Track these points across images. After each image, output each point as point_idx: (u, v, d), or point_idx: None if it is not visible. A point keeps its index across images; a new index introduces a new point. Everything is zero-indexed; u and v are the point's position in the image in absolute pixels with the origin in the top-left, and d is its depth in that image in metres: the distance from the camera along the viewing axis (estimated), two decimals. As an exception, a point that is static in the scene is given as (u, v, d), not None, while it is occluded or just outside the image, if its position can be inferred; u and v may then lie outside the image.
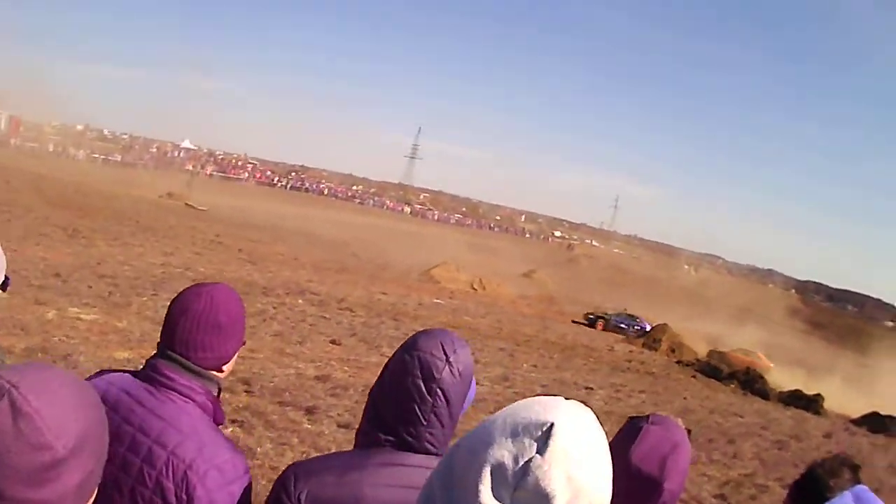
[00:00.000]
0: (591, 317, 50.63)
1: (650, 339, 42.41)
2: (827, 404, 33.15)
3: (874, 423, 30.92)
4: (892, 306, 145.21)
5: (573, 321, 49.12)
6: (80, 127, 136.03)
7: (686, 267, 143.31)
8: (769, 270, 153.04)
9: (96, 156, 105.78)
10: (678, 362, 37.84)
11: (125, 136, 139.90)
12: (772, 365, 45.29)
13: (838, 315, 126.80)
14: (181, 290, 2.81)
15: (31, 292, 18.77)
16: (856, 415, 32.72)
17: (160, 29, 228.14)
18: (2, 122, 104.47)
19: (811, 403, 32.49)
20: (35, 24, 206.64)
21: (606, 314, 51.41)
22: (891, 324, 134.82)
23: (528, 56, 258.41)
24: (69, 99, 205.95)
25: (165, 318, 2.74)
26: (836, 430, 28.45)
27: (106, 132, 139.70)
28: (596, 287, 68.76)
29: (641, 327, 49.15)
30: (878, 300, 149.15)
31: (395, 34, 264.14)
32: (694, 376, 34.43)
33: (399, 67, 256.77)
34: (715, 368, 36.10)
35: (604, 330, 48.23)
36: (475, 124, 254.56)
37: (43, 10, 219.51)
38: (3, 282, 3.35)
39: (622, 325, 49.51)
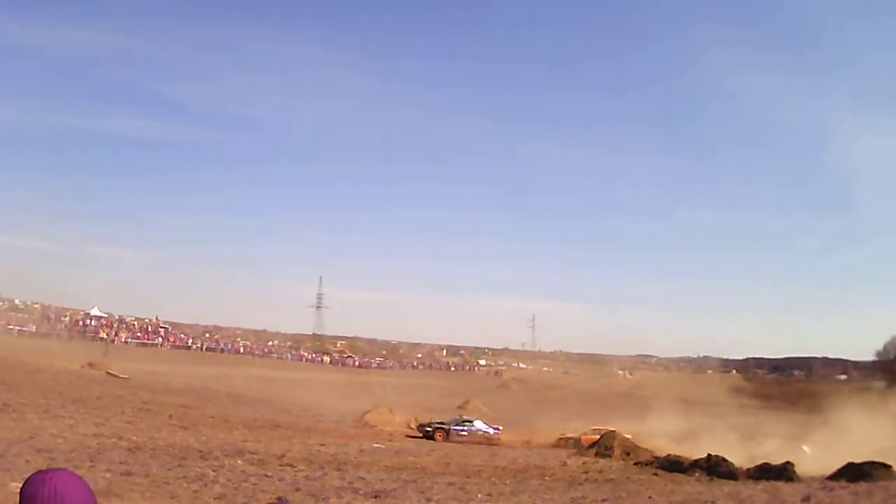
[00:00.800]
0: (428, 428, 49.47)
1: (602, 447, 42.40)
2: (799, 469, 33.37)
3: (851, 473, 31.41)
4: (840, 360, 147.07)
5: (407, 435, 48.99)
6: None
7: (620, 372, 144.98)
8: (705, 357, 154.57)
9: (11, 327, 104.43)
10: (636, 464, 37.82)
11: (37, 306, 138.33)
12: (630, 436, 46.31)
13: (785, 383, 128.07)
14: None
15: (-32, 471, 18.96)
16: (830, 471, 33.16)
17: (55, 199, 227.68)
18: None
19: (782, 472, 32.74)
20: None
21: (444, 423, 50.54)
22: (843, 377, 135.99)
23: (421, 188, 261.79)
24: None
25: None
26: (813, 491, 28.43)
27: (17, 302, 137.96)
28: (532, 408, 69.33)
29: (484, 430, 49.75)
30: (824, 358, 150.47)
31: (285, 188, 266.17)
32: (655, 474, 34.33)
33: (292, 217, 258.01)
34: (675, 462, 35.90)
35: (445, 439, 47.78)
36: (374, 267, 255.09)
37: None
38: None
39: (463, 432, 49.09)
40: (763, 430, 48.67)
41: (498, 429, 51.34)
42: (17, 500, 3.12)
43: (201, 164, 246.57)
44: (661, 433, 47.49)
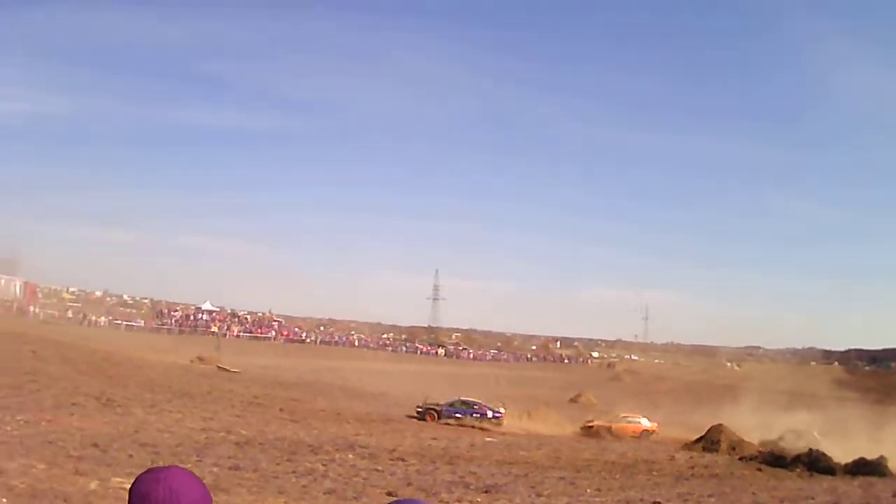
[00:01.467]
0: (420, 409, 49.45)
1: (708, 441, 42.21)
2: (892, 464, 33.42)
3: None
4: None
5: (406, 416, 49.05)
6: (98, 293, 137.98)
7: (728, 364, 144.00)
8: (809, 349, 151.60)
9: (119, 322, 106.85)
10: (740, 458, 37.76)
11: (146, 301, 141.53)
12: (655, 425, 49.04)
13: (884, 375, 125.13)
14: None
15: (71, 463, 18.79)
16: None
17: (164, 194, 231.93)
18: (17, 289, 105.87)
19: (876, 467, 32.87)
20: (42, 190, 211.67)
21: (438, 405, 49.86)
22: None
23: (534, 182, 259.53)
24: (84, 265, 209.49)
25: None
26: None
27: (126, 297, 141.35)
28: (643, 399, 68.49)
29: (482, 413, 48.60)
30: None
31: (400, 180, 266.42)
32: (759, 469, 34.32)
33: (412, 209, 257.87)
34: (778, 457, 36.15)
35: (436, 420, 47.55)
36: (491, 257, 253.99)
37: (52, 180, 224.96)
38: None
39: (458, 415, 48.43)
40: (865, 427, 46.89)
41: (499, 413, 49.42)
42: (124, 497, 2.38)
43: (313, 157, 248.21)
44: (765, 426, 46.06)
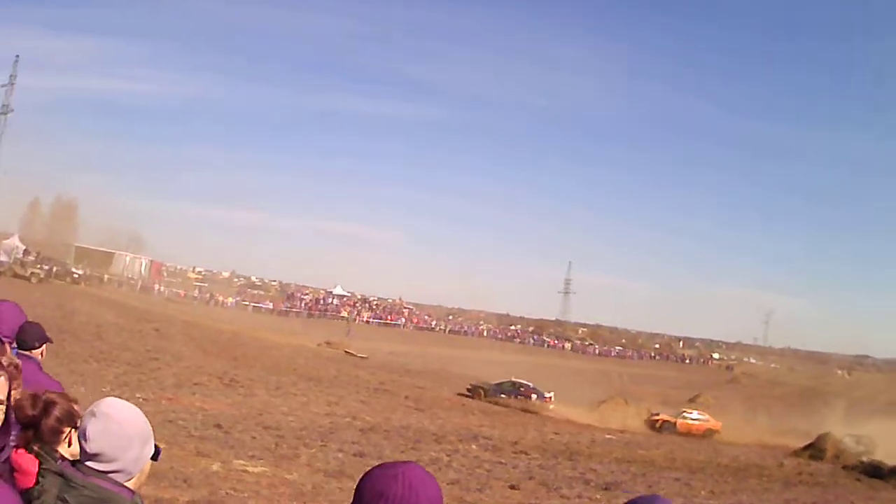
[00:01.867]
0: (470, 388, 51.91)
1: (816, 449, 42.50)
2: None
3: None
4: None
5: (458, 393, 50.62)
6: (225, 273, 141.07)
7: (839, 372, 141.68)
8: None
9: (247, 303, 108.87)
10: (843, 468, 37.83)
11: (274, 283, 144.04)
12: (718, 423, 49.14)
13: None
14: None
15: (192, 443, 18.74)
16: None
17: (298, 179, 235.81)
18: (143, 267, 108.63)
19: None
20: (172, 172, 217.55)
21: (488, 384, 52.30)
22: None
23: (670, 180, 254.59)
24: (211, 246, 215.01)
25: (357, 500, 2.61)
26: None
27: (254, 278, 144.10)
28: (756, 403, 67.10)
29: (527, 395, 50.34)
30: None
31: (538, 172, 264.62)
32: (858, 479, 34.49)
33: (546, 203, 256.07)
34: (877, 468, 36.18)
35: (482, 399, 49.51)
36: (625, 255, 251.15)
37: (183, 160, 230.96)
38: (155, 452, 3.35)
39: (503, 395, 50.35)
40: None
41: (545, 396, 51.15)
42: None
43: (450, 146, 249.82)
44: (866, 435, 44.85)
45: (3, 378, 3.18)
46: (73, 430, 3.55)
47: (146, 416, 3.28)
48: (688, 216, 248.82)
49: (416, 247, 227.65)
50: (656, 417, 50.03)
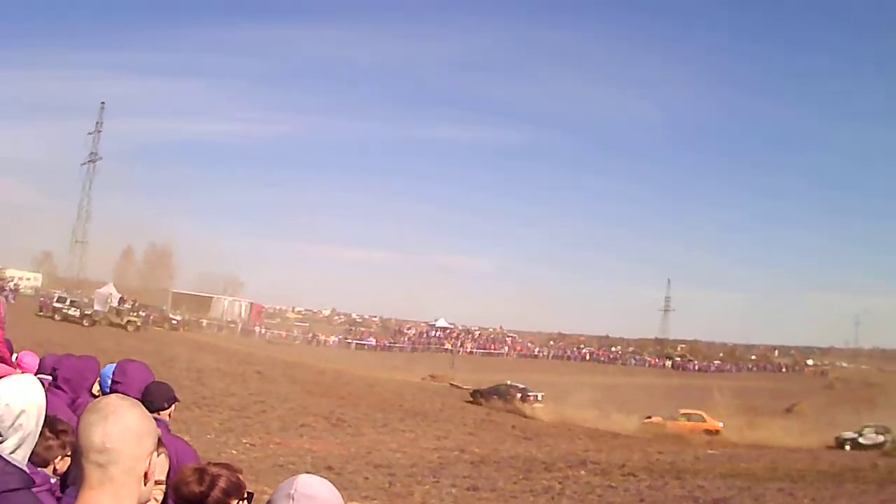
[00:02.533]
0: (472, 393, 57.29)
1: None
2: None
3: None
4: None
5: (465, 400, 55.18)
6: (325, 312, 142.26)
7: None
8: None
9: (350, 341, 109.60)
10: None
11: (375, 319, 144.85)
12: (720, 424, 49.00)
13: None
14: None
15: (305, 487, 18.78)
16: None
17: (391, 212, 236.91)
18: (243, 310, 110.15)
19: None
20: (264, 213, 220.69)
21: (480, 389, 57.17)
22: None
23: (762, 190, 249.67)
24: (311, 284, 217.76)
25: None
26: None
27: (355, 316, 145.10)
28: (848, 408, 65.80)
29: (515, 396, 54.01)
30: None
31: (629, 191, 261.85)
32: None
33: (639, 222, 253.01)
34: None
35: (480, 403, 54.00)
36: (720, 267, 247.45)
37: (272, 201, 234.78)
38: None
39: (495, 396, 54.66)
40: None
41: (530, 394, 55.04)
42: None
43: (545, 170, 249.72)
44: None
45: (163, 456, 3.20)
46: (239, 502, 3.60)
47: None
48: (776, 223, 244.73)
49: (512, 274, 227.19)
50: (649, 419, 50.34)
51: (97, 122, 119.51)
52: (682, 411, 52.01)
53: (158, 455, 2.86)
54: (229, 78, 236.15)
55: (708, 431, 48.30)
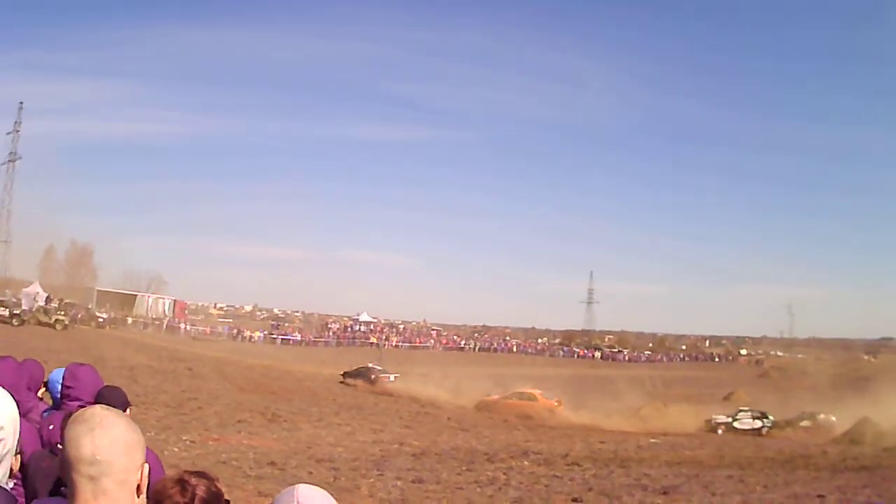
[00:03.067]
0: (343, 374, 61.64)
1: (855, 433, 43.50)
2: None
3: None
4: None
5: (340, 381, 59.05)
6: (248, 307, 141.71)
7: (864, 356, 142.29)
8: None
9: (274, 336, 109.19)
10: (885, 450, 37.53)
11: (298, 314, 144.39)
12: (556, 403, 50.05)
13: None
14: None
15: (251, 484, 18.76)
16: None
17: (312, 208, 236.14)
18: (167, 307, 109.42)
19: None
20: (184, 210, 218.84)
21: (348, 371, 61.76)
22: None
23: (672, 182, 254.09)
24: (233, 281, 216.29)
25: None
26: None
27: (277, 311, 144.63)
28: (788, 395, 67.15)
29: (374, 375, 59.27)
30: None
31: (550, 186, 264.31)
32: None
33: (562, 216, 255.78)
34: None
35: (346, 381, 59.61)
36: (644, 260, 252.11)
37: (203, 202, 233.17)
38: None
39: (359, 377, 59.71)
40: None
41: (387, 374, 60.49)
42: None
43: (460, 166, 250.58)
44: None
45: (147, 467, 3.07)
46: None
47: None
48: (702, 217, 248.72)
49: (435, 268, 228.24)
50: (487, 399, 51.69)
51: (15, 122, 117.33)
52: (517, 390, 52.63)
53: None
54: (150, 77, 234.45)
55: (546, 409, 49.02)
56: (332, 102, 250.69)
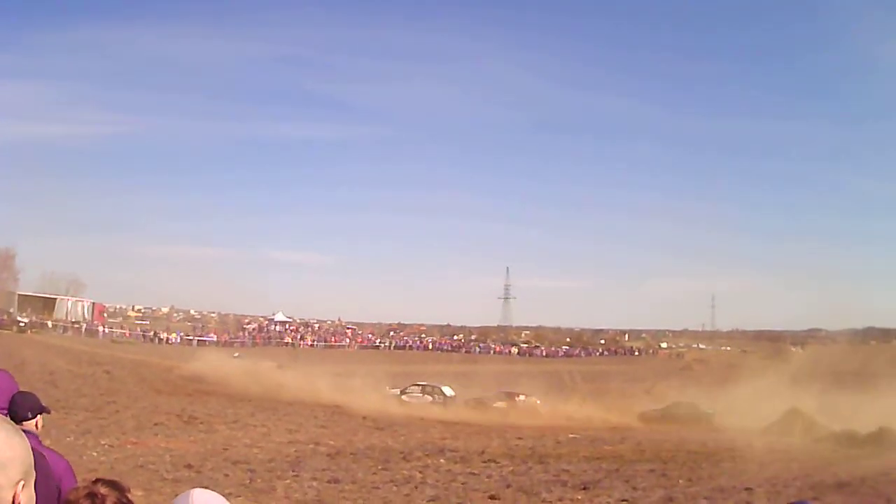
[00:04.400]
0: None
1: (783, 425, 43.55)
2: None
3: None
4: None
5: None
6: (164, 309, 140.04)
7: (792, 348, 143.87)
8: (868, 328, 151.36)
9: (191, 338, 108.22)
10: (815, 440, 38.70)
11: (213, 315, 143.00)
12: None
13: None
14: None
15: (168, 487, 18.69)
16: None
17: (229, 209, 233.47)
18: (86, 310, 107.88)
19: None
20: (100, 211, 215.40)
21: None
22: None
23: (587, 178, 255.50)
24: (149, 282, 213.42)
25: None
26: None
27: (193, 312, 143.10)
28: (713, 388, 68.08)
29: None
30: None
31: (464, 182, 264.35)
32: (834, 450, 35.09)
33: (477, 212, 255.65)
34: (851, 436, 38.02)
35: None
36: (560, 256, 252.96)
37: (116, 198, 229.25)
38: None
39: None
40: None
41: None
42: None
43: (373, 162, 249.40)
44: (831, 408, 46.34)
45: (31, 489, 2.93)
46: None
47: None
48: (619, 211, 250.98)
49: (350, 266, 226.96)
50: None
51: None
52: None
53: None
54: (66, 79, 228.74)
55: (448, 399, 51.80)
56: (247, 102, 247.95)
